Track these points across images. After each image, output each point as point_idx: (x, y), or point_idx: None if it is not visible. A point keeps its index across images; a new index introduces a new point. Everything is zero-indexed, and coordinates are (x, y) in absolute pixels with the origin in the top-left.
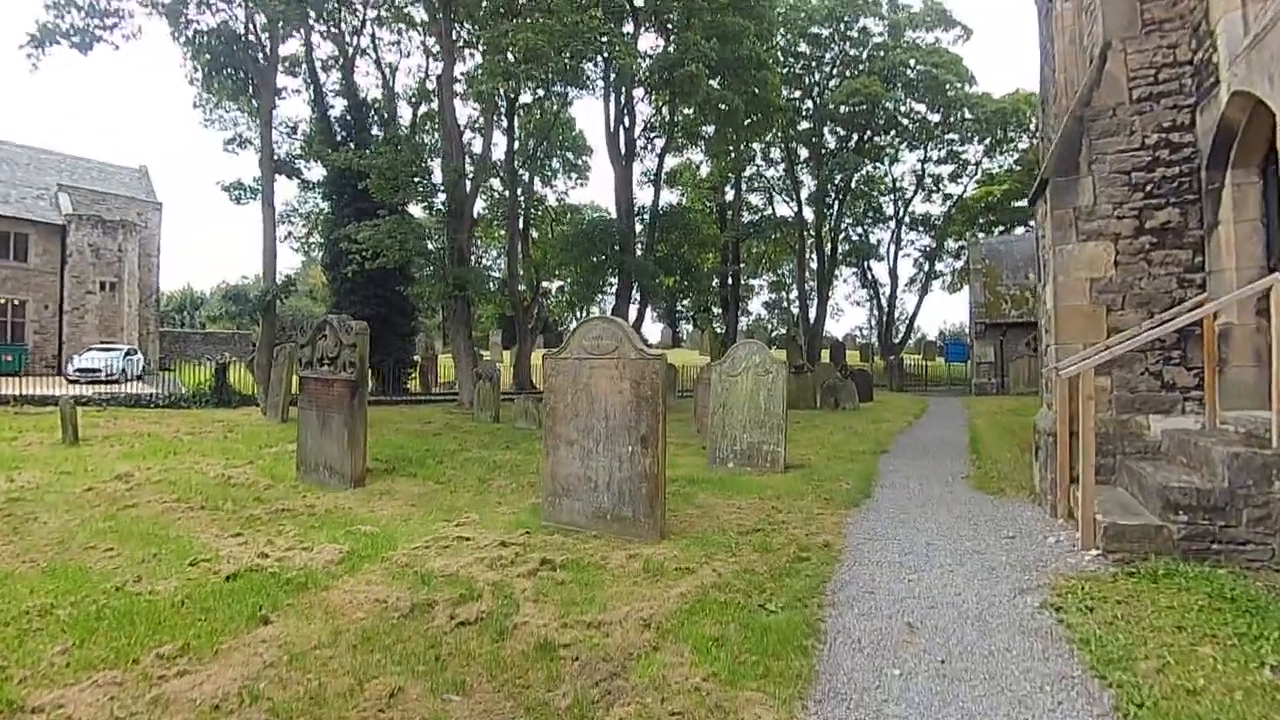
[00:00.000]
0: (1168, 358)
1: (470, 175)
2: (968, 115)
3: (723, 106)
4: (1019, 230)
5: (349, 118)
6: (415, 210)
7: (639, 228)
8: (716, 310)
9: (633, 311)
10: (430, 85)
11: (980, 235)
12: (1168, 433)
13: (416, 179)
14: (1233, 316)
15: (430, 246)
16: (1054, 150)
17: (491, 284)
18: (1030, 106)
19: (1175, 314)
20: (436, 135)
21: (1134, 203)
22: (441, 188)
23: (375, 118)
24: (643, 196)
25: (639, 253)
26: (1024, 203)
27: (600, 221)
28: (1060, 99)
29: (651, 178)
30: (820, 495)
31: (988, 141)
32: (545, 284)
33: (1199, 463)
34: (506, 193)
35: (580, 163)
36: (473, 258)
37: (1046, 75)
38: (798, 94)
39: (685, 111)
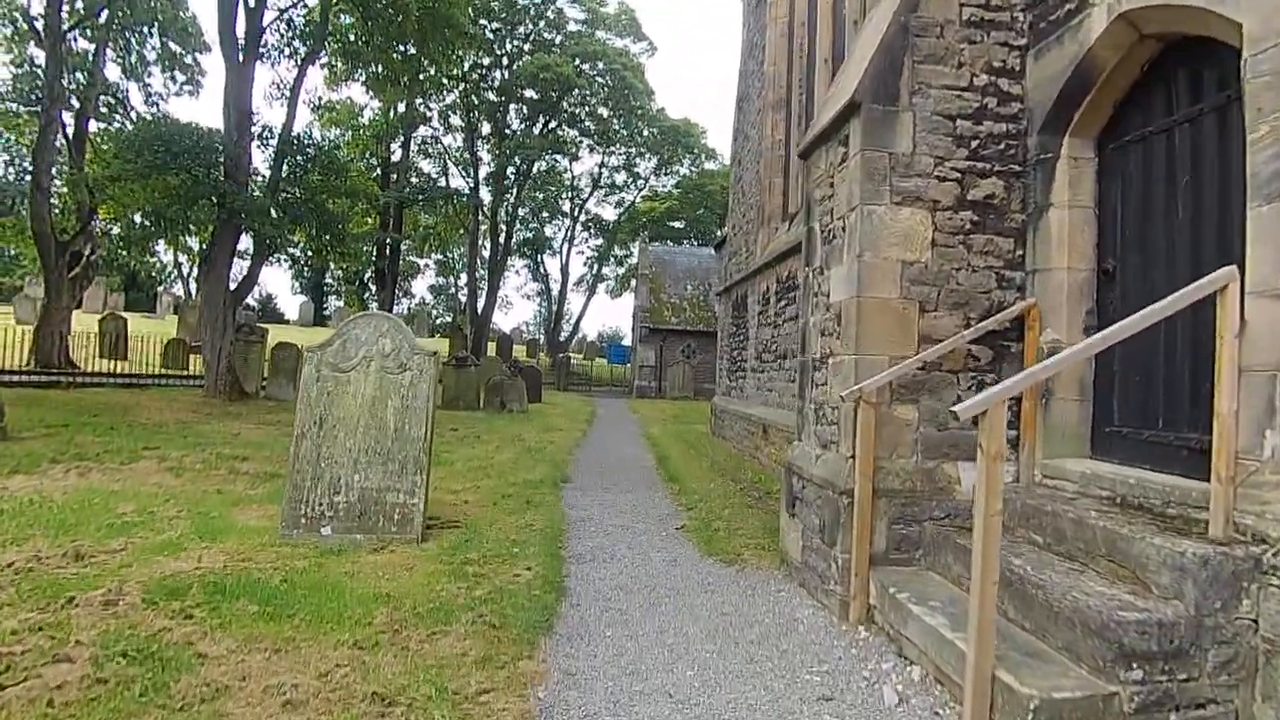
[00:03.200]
0: (981, 381)
1: None
2: (645, 131)
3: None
4: (673, 247)
5: None
6: None
7: (261, 157)
8: (373, 287)
9: (240, 268)
10: None
11: (654, 244)
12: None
13: None
14: (1063, 333)
15: None
16: (870, 64)
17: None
18: (693, 135)
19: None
20: None
21: (958, 161)
22: None
23: None
24: (274, 118)
25: (258, 190)
26: (679, 224)
27: (191, 130)
28: (767, 92)
29: (287, 91)
30: (481, 612)
31: (658, 159)
32: (115, 217)
33: (1085, 551)
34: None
35: (190, 60)
36: None
37: (751, 70)
38: (487, 61)
39: (344, 24)
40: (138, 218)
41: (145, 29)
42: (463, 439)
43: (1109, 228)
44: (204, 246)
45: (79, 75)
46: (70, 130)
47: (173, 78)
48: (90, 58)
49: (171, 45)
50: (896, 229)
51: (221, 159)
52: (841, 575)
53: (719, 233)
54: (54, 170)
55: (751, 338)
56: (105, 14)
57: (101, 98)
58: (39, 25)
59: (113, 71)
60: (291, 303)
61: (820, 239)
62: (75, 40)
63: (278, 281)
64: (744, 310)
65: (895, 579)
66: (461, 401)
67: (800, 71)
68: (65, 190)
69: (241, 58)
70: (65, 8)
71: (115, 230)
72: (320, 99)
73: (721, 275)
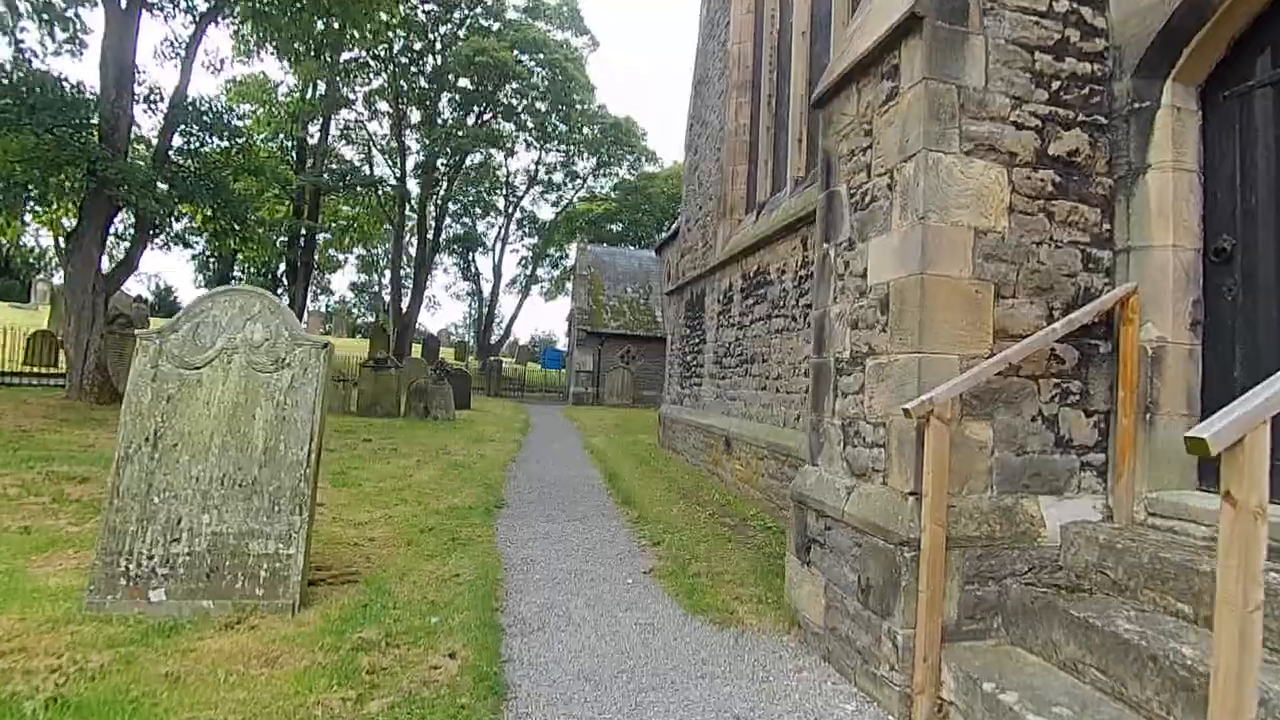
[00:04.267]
0: (1065, 390)
1: None
2: (585, 129)
3: None
4: (612, 248)
5: None
6: None
7: (150, 124)
8: (286, 281)
9: (119, 250)
10: None
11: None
12: (1070, 531)
13: None
14: (1166, 329)
15: None
16: None
17: None
18: (633, 134)
19: (1089, 308)
20: None
21: (1037, 105)
22: None
23: None
24: (166, 80)
25: (141, 160)
26: (618, 227)
27: (54, 83)
28: (731, 72)
29: (182, 51)
30: None
31: (597, 159)
32: None
33: (1277, 633)
34: None
35: (71, 14)
36: None
37: (711, 50)
38: (419, 45)
39: None
40: None
41: None
42: (377, 452)
43: (1222, 196)
44: (15, 206)
45: None
46: None
47: (51, 34)
48: None
49: None
50: (968, 186)
51: (94, 119)
52: (901, 658)
53: (659, 236)
54: None
55: (710, 340)
56: None
57: None
58: None
59: None
60: (191, 295)
61: (849, 205)
62: None
63: (180, 273)
64: (700, 310)
65: (977, 663)
66: (380, 407)
67: (771, 46)
68: None
69: (125, 3)
70: None
71: None
72: (221, 63)
73: (672, 273)
